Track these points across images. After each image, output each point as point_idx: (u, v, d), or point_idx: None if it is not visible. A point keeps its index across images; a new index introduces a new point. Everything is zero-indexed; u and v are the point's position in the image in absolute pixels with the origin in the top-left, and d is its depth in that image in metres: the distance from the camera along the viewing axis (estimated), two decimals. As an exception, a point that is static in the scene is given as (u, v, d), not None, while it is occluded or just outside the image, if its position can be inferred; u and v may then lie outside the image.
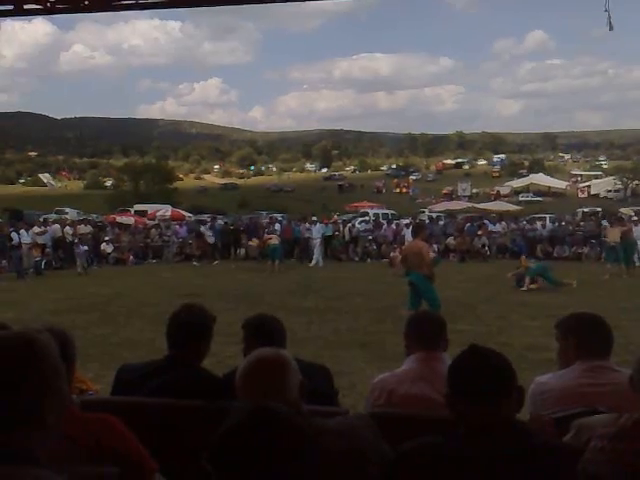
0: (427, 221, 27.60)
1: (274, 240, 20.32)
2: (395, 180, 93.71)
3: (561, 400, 2.45)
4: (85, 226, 22.88)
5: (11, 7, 3.30)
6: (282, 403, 1.62)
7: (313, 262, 21.69)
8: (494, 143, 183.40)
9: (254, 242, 23.05)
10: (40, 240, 20.08)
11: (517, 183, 72.70)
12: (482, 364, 1.74)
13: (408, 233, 21.52)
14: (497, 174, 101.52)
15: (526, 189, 70.31)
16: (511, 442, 1.67)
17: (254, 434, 1.33)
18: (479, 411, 1.70)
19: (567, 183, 75.51)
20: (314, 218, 24.55)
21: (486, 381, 1.71)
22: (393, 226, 26.32)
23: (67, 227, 22.28)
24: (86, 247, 18.85)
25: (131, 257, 22.75)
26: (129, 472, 1.81)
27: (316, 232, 22.61)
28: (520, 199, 60.97)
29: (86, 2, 3.29)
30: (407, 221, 25.30)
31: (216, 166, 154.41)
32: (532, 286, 14.07)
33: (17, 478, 1.21)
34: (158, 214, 32.96)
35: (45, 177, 74.93)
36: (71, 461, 1.35)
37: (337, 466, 1.67)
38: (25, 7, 3.31)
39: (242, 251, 24.72)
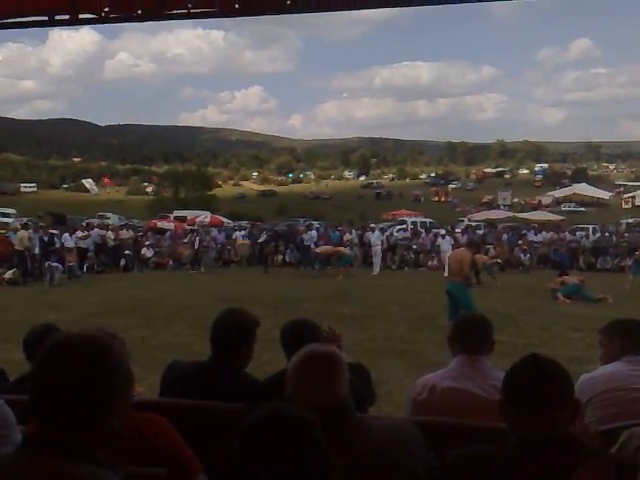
0: (463, 230, 27.30)
1: (345, 251, 21.02)
2: (434, 189, 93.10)
3: (610, 382, 2.60)
4: (127, 231, 23.28)
5: (67, 17, 3.40)
6: (331, 397, 1.69)
7: (376, 270, 20.91)
8: (536, 152, 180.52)
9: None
10: (83, 244, 20.53)
11: (559, 193, 71.47)
12: (539, 373, 1.71)
13: (443, 243, 21.33)
14: (539, 183, 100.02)
15: (568, 199, 69.03)
16: (563, 453, 1.63)
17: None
18: (532, 421, 1.67)
19: (611, 193, 73.81)
20: (373, 225, 24.18)
21: (541, 391, 1.68)
22: (431, 235, 26.13)
23: (109, 232, 22.75)
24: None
25: (170, 262, 23.06)
26: (176, 472, 1.83)
27: (375, 239, 21.97)
28: (562, 209, 59.95)
29: (139, 12, 3.37)
30: (443, 231, 24.99)
31: (255, 173, 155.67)
32: (567, 301, 13.78)
33: (80, 475, 1.24)
34: (197, 220, 33.38)
35: (88, 183, 76.71)
36: (120, 459, 1.37)
37: (368, 466, 1.66)
38: (80, 17, 3.41)
39: (279, 257, 24.88)
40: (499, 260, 21.20)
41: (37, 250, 18.48)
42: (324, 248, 21.85)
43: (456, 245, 20.78)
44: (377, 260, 21.56)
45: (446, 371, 2.85)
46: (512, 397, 1.73)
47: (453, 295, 9.28)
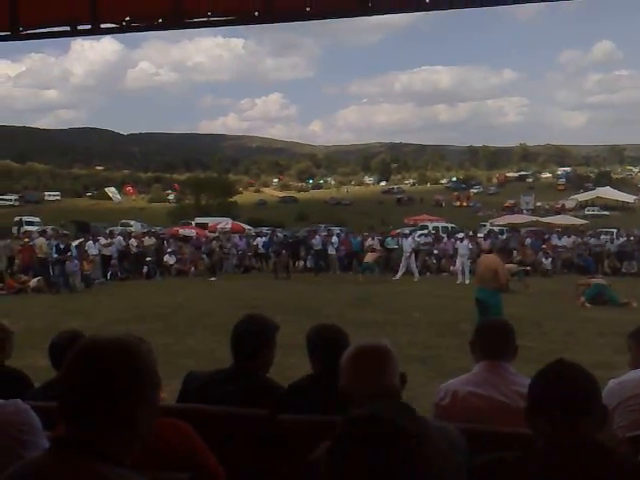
0: (486, 235, 27.09)
1: (370, 257, 21.30)
2: (455, 193, 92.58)
3: (638, 388, 2.56)
4: (149, 238, 23.48)
5: (89, 27, 3.45)
6: (383, 388, 1.80)
7: (401, 274, 20.70)
8: (559, 155, 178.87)
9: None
10: (106, 252, 20.75)
11: (583, 196, 70.61)
12: (566, 379, 1.69)
13: (461, 247, 20.95)
14: (562, 187, 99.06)
15: (592, 203, 68.22)
16: (590, 461, 1.60)
17: (366, 443, 1.22)
18: (559, 427, 1.64)
19: (635, 197, 72.69)
20: (406, 231, 23.98)
21: (568, 397, 1.65)
22: (453, 240, 25.96)
23: (132, 239, 22.97)
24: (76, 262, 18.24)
25: (192, 269, 23.21)
26: (199, 478, 1.83)
27: (407, 246, 21.72)
28: (586, 213, 59.25)
29: (159, 20, 3.41)
30: (461, 235, 24.81)
31: (275, 180, 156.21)
32: (587, 305, 13.62)
33: (109, 477, 1.25)
34: (219, 227, 33.59)
35: (111, 191, 77.74)
36: (144, 465, 1.38)
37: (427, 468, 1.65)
38: (102, 26, 3.46)
39: (300, 263, 24.92)
40: (528, 268, 20.98)
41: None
42: (371, 256, 21.76)
43: (478, 250, 20.65)
44: (410, 265, 21.35)
45: (469, 376, 2.84)
46: (538, 403, 1.71)
47: (483, 302, 9.03)
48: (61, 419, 1.33)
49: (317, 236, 24.89)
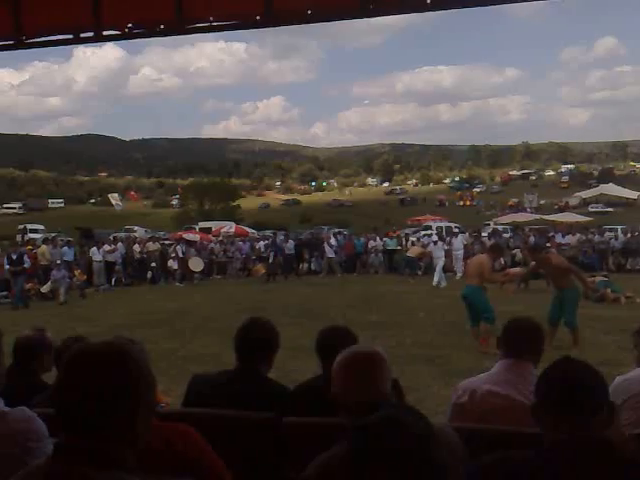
0: (490, 233, 27.06)
1: (415, 252, 21.31)
2: (458, 193, 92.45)
3: None
4: (153, 243, 23.53)
5: (91, 34, 3.47)
6: (375, 395, 1.77)
7: (436, 281, 18.69)
8: (561, 153, 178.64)
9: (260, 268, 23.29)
10: (110, 258, 20.78)
11: (587, 194, 70.29)
12: (572, 376, 1.69)
13: (456, 242, 21.19)
14: (565, 185, 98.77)
15: (596, 200, 67.99)
16: (598, 458, 1.60)
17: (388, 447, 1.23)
18: (566, 424, 1.64)
19: (639, 193, 72.54)
20: (456, 229, 24.08)
21: (574, 394, 1.65)
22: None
23: (136, 245, 23.00)
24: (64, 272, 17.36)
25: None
26: (206, 482, 1.83)
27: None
28: (590, 210, 59.05)
29: (161, 26, 3.42)
30: (456, 230, 24.82)
31: (278, 183, 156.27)
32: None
33: None
34: (222, 231, 33.60)
35: (114, 197, 77.83)
36: (151, 470, 1.38)
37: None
38: (105, 33, 3.47)
39: (305, 266, 24.91)
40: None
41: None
42: (415, 250, 21.58)
43: (481, 249, 20.59)
44: (459, 266, 20.89)
45: (489, 375, 2.83)
46: (545, 400, 1.71)
47: (467, 298, 9.17)
48: (59, 427, 1.33)
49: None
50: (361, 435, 1.25)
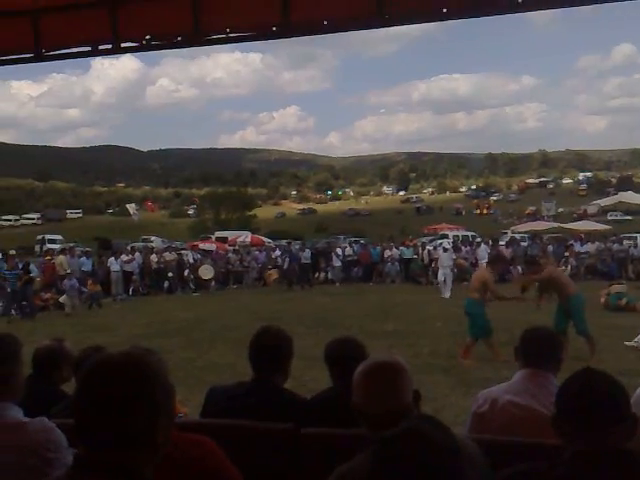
0: (508, 242, 26.85)
1: (464, 263, 21.06)
2: (475, 201, 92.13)
3: None
4: (170, 253, 23.64)
5: (109, 46, 3.51)
6: (397, 405, 1.74)
7: (447, 295, 17.86)
8: (579, 161, 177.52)
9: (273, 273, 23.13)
10: (128, 268, 20.92)
11: (605, 201, 69.58)
12: (593, 387, 1.66)
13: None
14: (583, 192, 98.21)
15: (614, 208, 67.34)
16: (620, 471, 1.57)
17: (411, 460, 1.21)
18: (586, 437, 1.62)
19: (659, 200, 71.77)
20: (445, 245, 22.74)
21: (596, 405, 1.63)
22: (474, 247, 25.78)
23: (153, 255, 23.14)
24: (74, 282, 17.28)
25: (213, 282, 23.29)
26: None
27: (446, 260, 19.48)
28: (609, 218, 58.53)
29: (179, 38, 3.45)
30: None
31: (294, 192, 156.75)
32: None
33: None
34: (238, 240, 33.72)
35: (131, 207, 78.54)
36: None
37: None
38: (122, 45, 3.51)
39: (321, 275, 24.93)
40: None
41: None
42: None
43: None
44: (447, 282, 20.20)
45: (509, 385, 2.81)
46: (565, 412, 1.69)
47: (466, 311, 9.24)
48: (78, 439, 1.32)
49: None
50: (383, 447, 1.23)
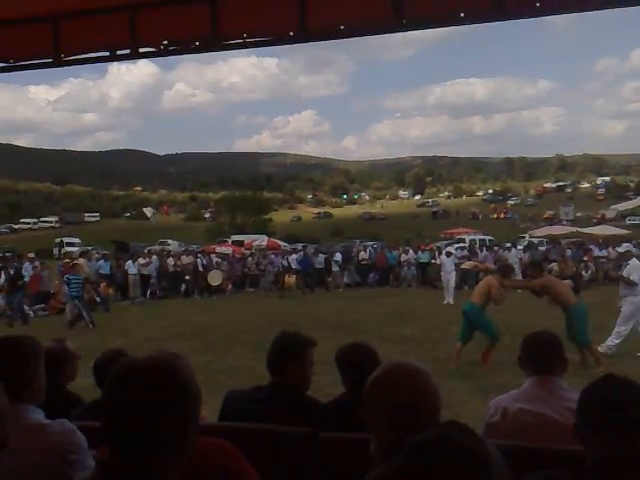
0: (526, 247, 26.67)
1: (490, 266, 20.61)
2: (492, 205, 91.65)
3: None
4: (187, 256, 23.75)
5: (128, 51, 3.54)
6: (425, 411, 1.65)
7: (451, 301, 17.44)
8: (597, 165, 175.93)
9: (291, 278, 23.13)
10: (145, 271, 21.07)
11: (624, 206, 69.03)
12: (617, 393, 1.64)
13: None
14: (602, 197, 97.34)
15: (633, 212, 66.69)
16: None
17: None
18: (610, 443, 1.59)
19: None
20: (449, 249, 22.05)
21: (618, 413, 1.60)
22: (491, 252, 25.62)
23: (170, 258, 23.27)
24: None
25: (230, 286, 23.37)
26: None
27: (449, 265, 18.91)
28: (627, 222, 57.96)
29: (196, 43, 3.47)
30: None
31: (309, 196, 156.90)
32: None
33: None
34: (254, 244, 33.80)
35: (148, 211, 79.18)
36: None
37: None
38: (140, 50, 3.54)
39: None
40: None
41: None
42: (469, 263, 20.27)
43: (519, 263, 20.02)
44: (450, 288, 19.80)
45: (519, 392, 2.78)
46: (589, 419, 1.66)
47: (466, 315, 9.23)
48: (107, 443, 1.31)
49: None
50: (412, 454, 1.21)
